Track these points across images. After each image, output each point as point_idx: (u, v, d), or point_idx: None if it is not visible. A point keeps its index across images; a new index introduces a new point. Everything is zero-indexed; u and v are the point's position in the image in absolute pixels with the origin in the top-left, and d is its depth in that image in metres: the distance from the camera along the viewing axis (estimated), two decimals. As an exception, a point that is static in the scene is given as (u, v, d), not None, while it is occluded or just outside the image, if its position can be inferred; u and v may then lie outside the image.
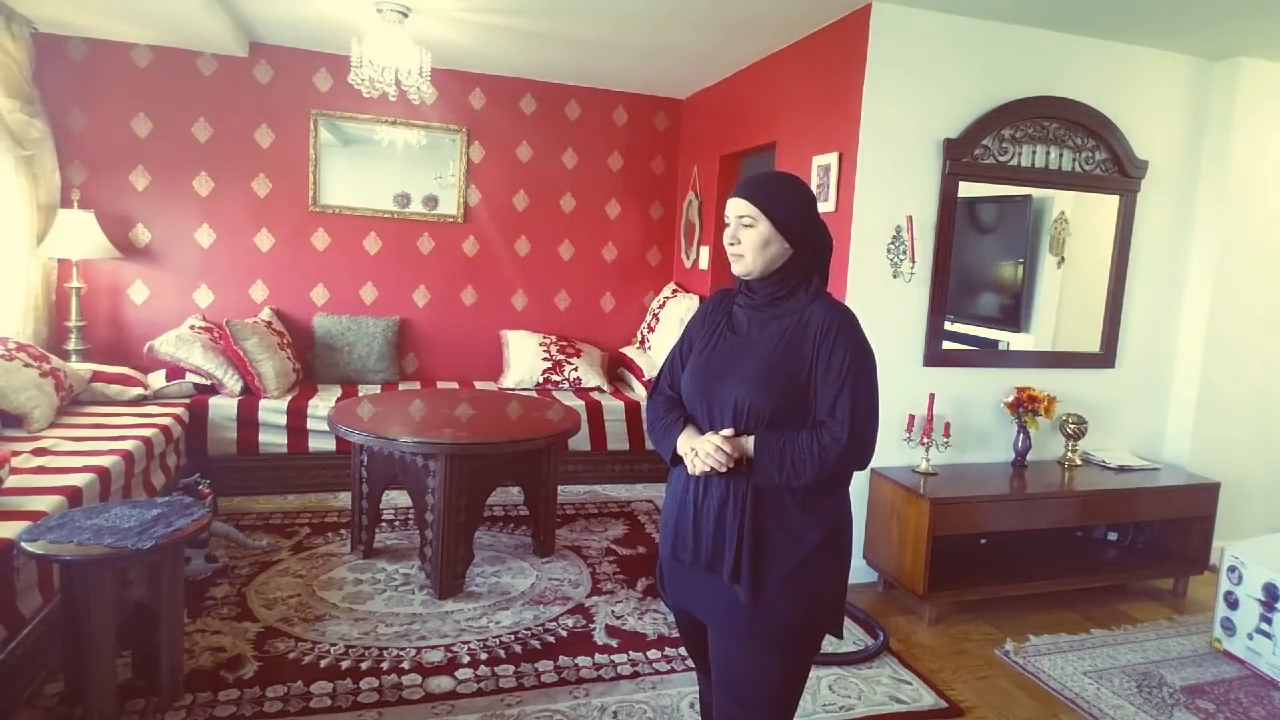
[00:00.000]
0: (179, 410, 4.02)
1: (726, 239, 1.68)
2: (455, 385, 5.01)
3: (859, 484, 3.40)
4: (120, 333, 4.61)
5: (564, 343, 5.15)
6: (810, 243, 1.65)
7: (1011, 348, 3.77)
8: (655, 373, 4.91)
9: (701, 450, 1.59)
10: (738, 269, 1.68)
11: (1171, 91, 3.78)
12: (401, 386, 4.84)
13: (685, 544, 1.69)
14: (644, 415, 1.91)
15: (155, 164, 4.58)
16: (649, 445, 4.84)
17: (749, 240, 1.63)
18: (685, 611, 1.80)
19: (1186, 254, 3.94)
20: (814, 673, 2.65)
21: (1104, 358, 3.85)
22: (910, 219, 3.42)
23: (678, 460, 1.70)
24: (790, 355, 1.61)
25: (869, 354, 1.63)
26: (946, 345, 3.58)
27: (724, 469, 1.58)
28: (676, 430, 1.71)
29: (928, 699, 2.67)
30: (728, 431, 1.61)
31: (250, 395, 4.27)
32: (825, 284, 1.70)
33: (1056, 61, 3.55)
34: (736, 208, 1.65)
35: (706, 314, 1.80)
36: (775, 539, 1.61)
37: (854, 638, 3.03)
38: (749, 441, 1.60)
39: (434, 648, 2.78)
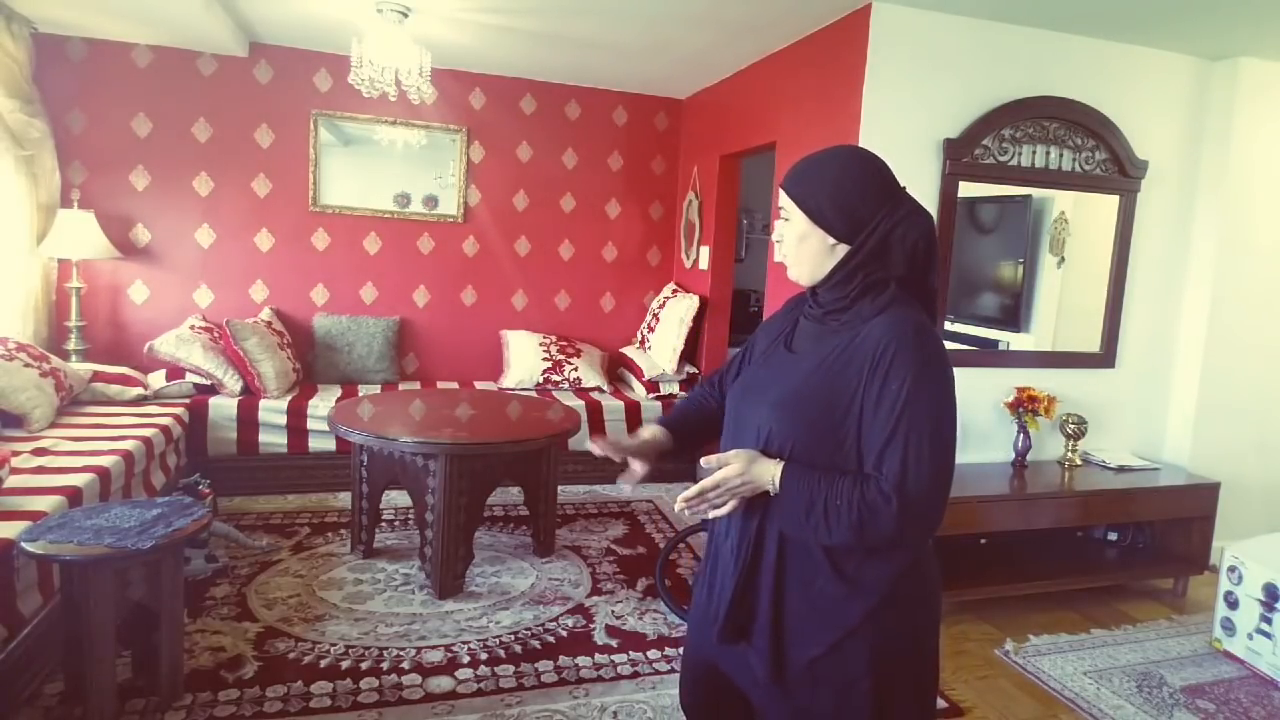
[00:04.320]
0: (179, 410, 4.02)
1: (774, 238, 1.42)
2: (455, 385, 5.01)
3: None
4: (120, 333, 4.61)
5: (564, 343, 5.15)
6: (872, 236, 1.26)
7: (1011, 348, 3.77)
8: (655, 372, 4.92)
9: (713, 490, 1.29)
10: (789, 274, 1.39)
11: (1171, 91, 3.78)
12: (401, 386, 4.84)
13: (703, 587, 1.44)
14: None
15: (155, 164, 4.58)
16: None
17: (786, 237, 1.34)
18: (711, 668, 1.47)
19: (1186, 254, 3.94)
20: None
21: (1104, 358, 3.85)
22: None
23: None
24: (831, 380, 1.26)
25: (937, 384, 1.22)
26: (946, 345, 3.57)
27: (720, 502, 1.30)
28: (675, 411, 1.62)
29: (928, 699, 2.66)
30: (729, 455, 1.30)
31: (250, 395, 4.27)
32: (922, 294, 1.32)
33: (1056, 61, 3.55)
34: (779, 199, 1.37)
35: (773, 323, 1.51)
36: (797, 610, 1.28)
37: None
38: (768, 469, 1.27)
39: (434, 648, 2.78)
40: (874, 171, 1.30)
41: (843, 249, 1.29)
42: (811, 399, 1.27)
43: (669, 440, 1.57)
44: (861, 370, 1.23)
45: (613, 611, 3.14)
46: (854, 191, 1.28)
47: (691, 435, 1.62)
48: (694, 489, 1.28)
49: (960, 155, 3.42)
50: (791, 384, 1.31)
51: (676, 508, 1.31)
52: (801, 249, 1.32)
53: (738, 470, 1.27)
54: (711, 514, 1.31)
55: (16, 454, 3.03)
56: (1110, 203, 3.76)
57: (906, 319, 1.25)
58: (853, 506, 1.18)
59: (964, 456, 3.62)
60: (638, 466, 1.51)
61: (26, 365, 3.53)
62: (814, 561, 1.27)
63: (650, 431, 1.57)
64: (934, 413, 1.20)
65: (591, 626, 3.01)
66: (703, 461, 1.31)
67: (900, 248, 1.27)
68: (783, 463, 1.26)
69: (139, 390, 4.10)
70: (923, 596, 1.31)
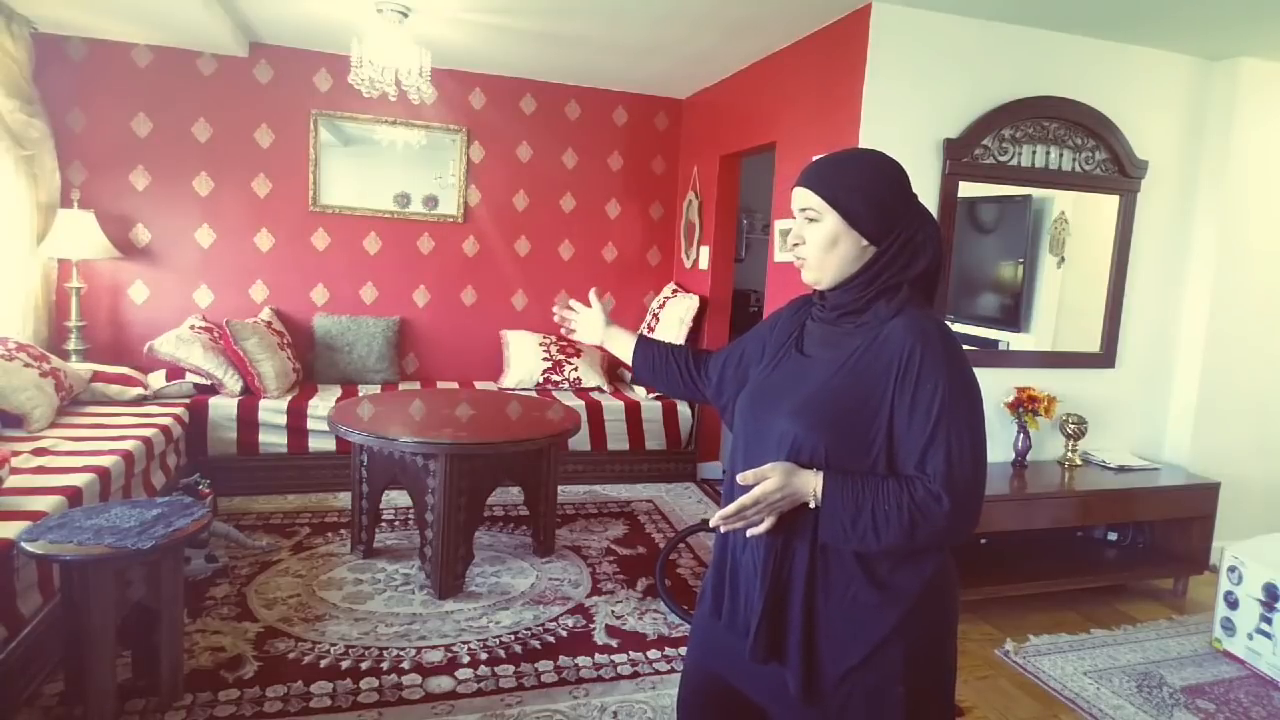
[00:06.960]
0: (179, 410, 4.02)
1: (790, 240, 1.35)
2: (455, 385, 5.01)
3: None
4: (120, 333, 4.61)
5: (564, 343, 5.15)
6: (900, 238, 1.27)
7: (1011, 348, 3.77)
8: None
9: (742, 510, 1.23)
10: (805, 276, 1.34)
11: (1171, 91, 3.78)
12: (401, 386, 4.84)
13: (720, 599, 1.40)
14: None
15: (155, 164, 4.58)
16: (649, 445, 4.86)
17: (813, 239, 1.30)
18: (719, 683, 1.43)
19: (1186, 254, 3.94)
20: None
21: (1104, 358, 3.85)
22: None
23: None
24: (853, 382, 1.25)
25: (968, 383, 1.23)
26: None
27: (757, 519, 1.24)
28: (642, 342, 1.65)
29: (928, 699, 2.66)
30: (767, 469, 1.23)
31: (250, 395, 4.27)
32: (929, 296, 1.32)
33: (1056, 61, 3.55)
34: (799, 199, 1.32)
35: (776, 325, 1.47)
36: (831, 621, 1.25)
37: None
38: (808, 480, 1.23)
39: (434, 648, 2.78)
40: (901, 174, 1.32)
41: (870, 251, 1.29)
42: (834, 401, 1.25)
43: (630, 343, 1.68)
44: (888, 372, 1.22)
45: (613, 611, 3.14)
46: (888, 193, 1.28)
47: (648, 362, 1.67)
48: (732, 506, 1.24)
49: (960, 155, 3.42)
50: (811, 387, 1.29)
51: (712, 524, 1.26)
52: (832, 251, 1.29)
53: (777, 484, 1.22)
54: (749, 532, 1.26)
55: (16, 454, 3.03)
56: (1110, 203, 3.76)
57: (927, 319, 1.25)
58: (903, 510, 1.18)
59: (964, 456, 3.62)
60: (597, 312, 1.72)
61: (26, 365, 3.53)
62: (846, 570, 1.25)
63: (622, 331, 1.71)
64: (969, 410, 1.22)
65: (591, 626, 3.01)
66: (739, 477, 1.26)
67: (925, 250, 1.28)
68: (822, 473, 1.23)
69: (139, 390, 4.10)
70: (948, 597, 1.30)
